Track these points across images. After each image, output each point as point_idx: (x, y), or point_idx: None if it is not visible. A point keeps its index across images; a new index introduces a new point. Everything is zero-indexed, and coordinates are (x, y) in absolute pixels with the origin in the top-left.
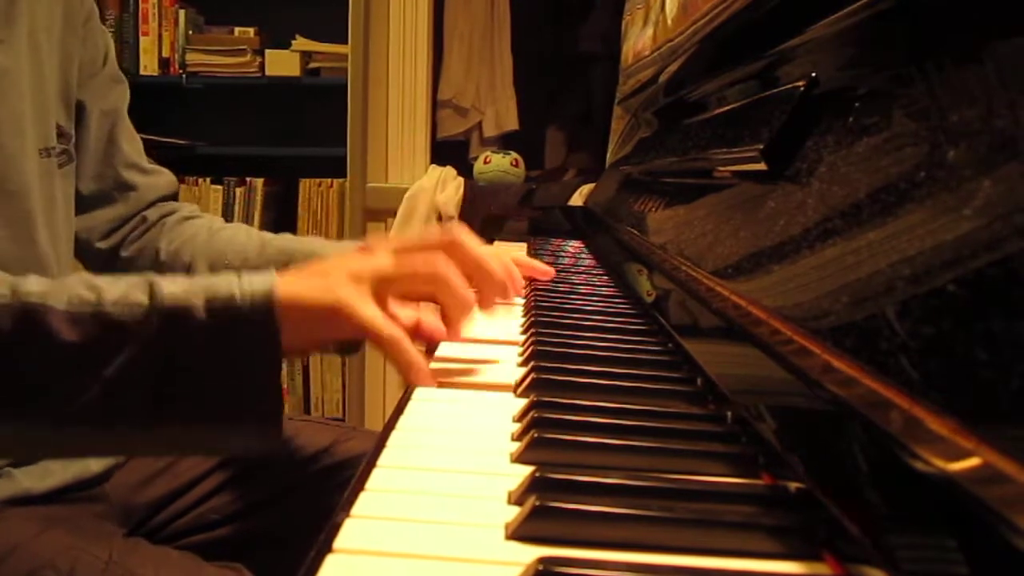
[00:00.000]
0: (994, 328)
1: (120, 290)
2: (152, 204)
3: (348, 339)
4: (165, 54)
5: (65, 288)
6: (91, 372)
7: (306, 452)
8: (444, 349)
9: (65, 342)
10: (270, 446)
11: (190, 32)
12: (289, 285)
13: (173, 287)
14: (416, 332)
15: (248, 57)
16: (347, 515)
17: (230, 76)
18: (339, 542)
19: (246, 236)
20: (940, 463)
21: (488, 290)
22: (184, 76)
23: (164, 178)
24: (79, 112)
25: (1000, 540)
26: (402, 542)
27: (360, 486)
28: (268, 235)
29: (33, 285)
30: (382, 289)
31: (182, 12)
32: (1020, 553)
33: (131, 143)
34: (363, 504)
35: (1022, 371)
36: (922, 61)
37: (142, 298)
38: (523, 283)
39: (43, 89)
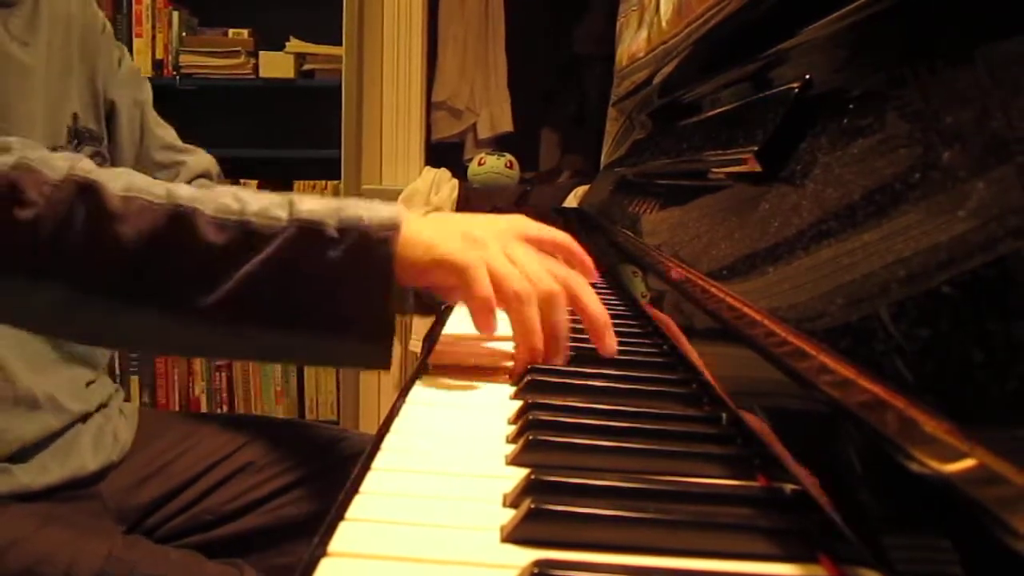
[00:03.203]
0: (989, 329)
1: (263, 204)
2: (193, 179)
3: (443, 290)
4: (159, 56)
5: (214, 196)
6: (230, 272)
7: (301, 455)
8: (440, 349)
9: (209, 243)
10: (378, 361)
11: (184, 34)
12: (414, 222)
13: (311, 204)
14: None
15: (242, 59)
16: (341, 518)
17: (224, 78)
18: (334, 545)
19: None
20: (935, 464)
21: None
22: (178, 78)
23: (201, 156)
24: (112, 109)
25: (996, 541)
26: (397, 545)
27: (355, 489)
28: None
29: (186, 191)
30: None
31: (175, 14)
32: (1015, 554)
33: (163, 129)
34: (358, 507)
35: (1017, 372)
36: (916, 63)
37: (281, 213)
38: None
39: (57, 92)
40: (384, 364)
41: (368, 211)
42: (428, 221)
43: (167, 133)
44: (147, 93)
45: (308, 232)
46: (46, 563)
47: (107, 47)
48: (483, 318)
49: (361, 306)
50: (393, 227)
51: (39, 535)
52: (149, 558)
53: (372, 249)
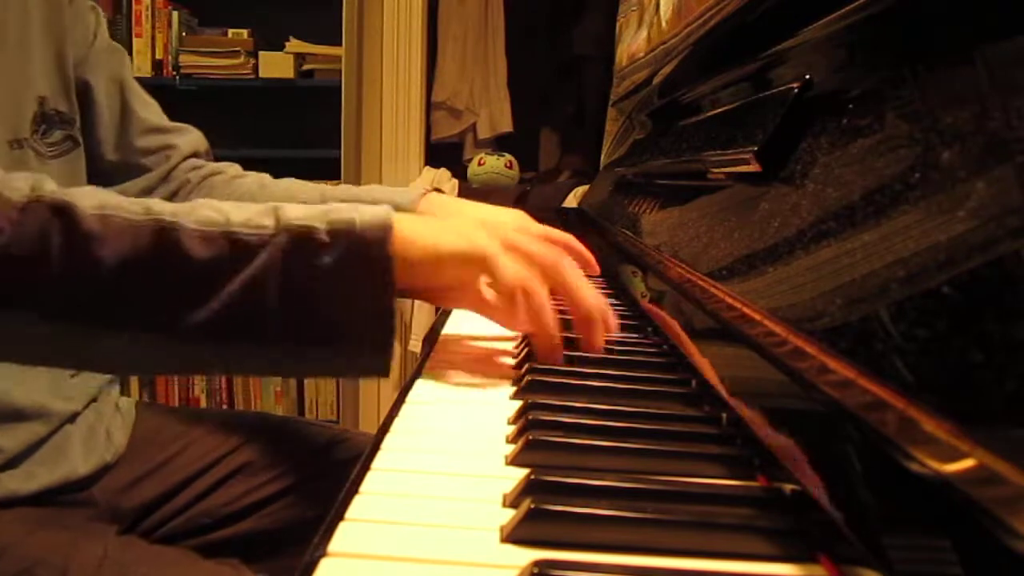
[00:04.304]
0: (989, 329)
1: (246, 214)
2: (183, 161)
3: (441, 293)
4: (158, 56)
5: (193, 209)
6: (219, 287)
7: (300, 455)
8: (441, 349)
9: (195, 257)
10: (380, 369)
11: (183, 34)
12: (410, 223)
13: (296, 211)
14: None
15: (242, 59)
16: (341, 518)
17: (224, 78)
18: (333, 545)
19: (301, 186)
20: (935, 464)
21: (577, 326)
22: (177, 78)
23: (189, 135)
24: (86, 90)
25: (995, 541)
26: (397, 545)
27: (355, 489)
28: (323, 185)
29: (160, 205)
30: (507, 253)
31: (175, 14)
32: (1015, 554)
33: (145, 108)
34: (357, 507)
35: (1017, 372)
36: (915, 63)
37: (267, 221)
38: (614, 328)
39: (17, 78)
40: (385, 371)
41: (359, 213)
42: (422, 219)
43: (151, 112)
44: (126, 67)
45: (299, 239)
46: (39, 567)
47: (76, 18)
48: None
49: (362, 313)
50: (386, 227)
51: (30, 540)
52: (144, 558)
53: (368, 252)
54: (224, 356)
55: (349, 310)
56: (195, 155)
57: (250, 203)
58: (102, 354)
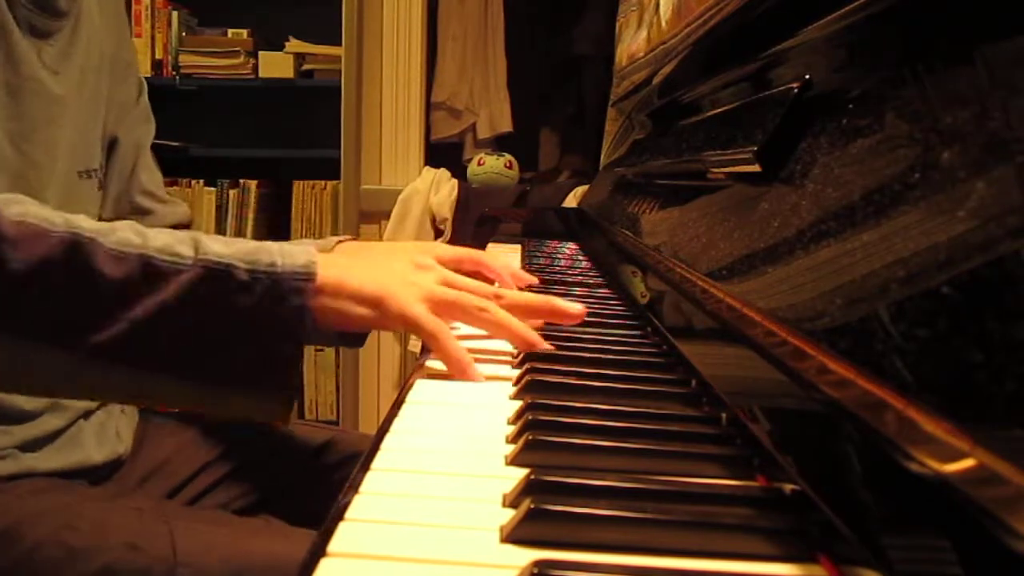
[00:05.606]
0: (989, 329)
1: (167, 240)
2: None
3: (367, 330)
4: (158, 56)
5: (114, 229)
6: (125, 310)
7: (299, 455)
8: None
9: (105, 275)
10: (278, 416)
11: (183, 34)
12: (337, 267)
13: (217, 246)
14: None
15: (241, 59)
16: (341, 518)
17: (223, 78)
18: (333, 545)
19: None
20: (935, 464)
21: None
22: (177, 78)
23: (178, 208)
24: (112, 145)
25: (995, 541)
26: (397, 545)
27: (354, 489)
28: None
29: (85, 222)
30: (429, 304)
31: (175, 13)
32: (1014, 554)
33: (149, 174)
34: (357, 507)
35: (1016, 372)
36: (916, 63)
37: (186, 251)
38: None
39: (89, 119)
40: (284, 419)
41: (283, 256)
42: (348, 261)
43: (152, 179)
44: (150, 138)
45: (214, 274)
46: (79, 520)
47: (130, 82)
48: (455, 364)
49: (267, 361)
50: (308, 276)
51: (70, 503)
52: (182, 512)
53: (284, 299)
54: (125, 381)
55: (258, 356)
56: (177, 226)
57: (176, 231)
58: (5, 365)
